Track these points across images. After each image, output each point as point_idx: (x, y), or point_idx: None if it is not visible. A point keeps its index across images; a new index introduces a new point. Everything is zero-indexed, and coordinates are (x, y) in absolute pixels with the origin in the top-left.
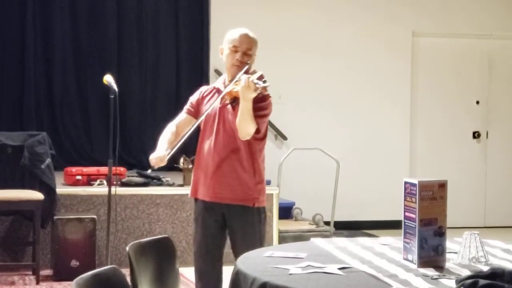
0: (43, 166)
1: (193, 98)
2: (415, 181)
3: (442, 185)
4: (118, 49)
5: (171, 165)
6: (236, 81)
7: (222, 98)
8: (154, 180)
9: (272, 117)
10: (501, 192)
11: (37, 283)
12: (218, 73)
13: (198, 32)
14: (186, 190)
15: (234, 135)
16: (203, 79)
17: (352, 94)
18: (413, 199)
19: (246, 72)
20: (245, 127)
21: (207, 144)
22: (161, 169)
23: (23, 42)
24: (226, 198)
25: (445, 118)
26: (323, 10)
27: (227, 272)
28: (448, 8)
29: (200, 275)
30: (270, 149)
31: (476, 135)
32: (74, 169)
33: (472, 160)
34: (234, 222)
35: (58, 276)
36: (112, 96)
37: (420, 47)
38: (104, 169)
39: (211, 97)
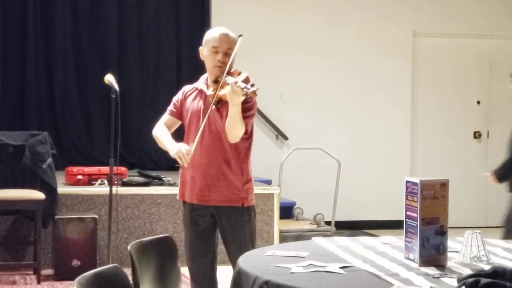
0: (44, 166)
1: (176, 99)
2: (417, 180)
3: (444, 184)
4: (119, 49)
5: (172, 164)
6: (222, 83)
7: (205, 100)
8: (155, 180)
9: (273, 117)
10: (502, 192)
11: (38, 282)
12: None
13: (198, 32)
14: None
15: (220, 136)
16: None
17: (353, 94)
18: (415, 198)
19: (228, 73)
20: (235, 130)
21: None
22: (162, 168)
23: (24, 42)
24: (214, 200)
25: (446, 118)
26: (324, 11)
27: (225, 272)
28: (449, 8)
29: (194, 278)
30: (271, 149)
31: (476, 135)
32: (75, 169)
33: (473, 160)
34: (224, 222)
35: (59, 276)
36: (113, 96)
37: (420, 47)
38: (105, 169)
39: (194, 98)
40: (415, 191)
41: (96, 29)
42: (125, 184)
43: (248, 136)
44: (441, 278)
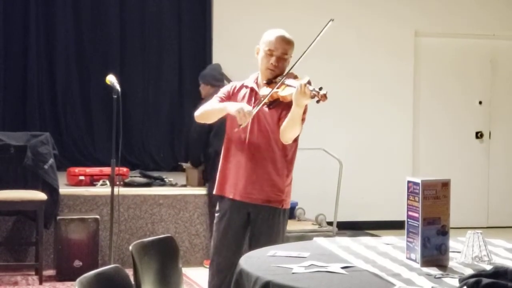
0: (46, 167)
1: (224, 90)
2: (418, 180)
3: (446, 184)
4: (121, 49)
5: (175, 165)
6: (279, 84)
7: (256, 99)
8: (157, 181)
9: None
10: (504, 192)
11: (40, 283)
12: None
13: (200, 32)
14: (189, 191)
15: (269, 136)
16: None
17: (355, 95)
18: (416, 198)
19: (287, 76)
20: (292, 132)
21: (239, 143)
22: (163, 169)
23: (26, 43)
24: (257, 199)
25: (448, 118)
26: (325, 11)
27: None
28: (451, 8)
29: (219, 271)
30: None
31: (479, 135)
32: (77, 170)
33: (475, 160)
34: (260, 222)
35: (61, 276)
36: (115, 96)
37: (422, 47)
38: (107, 169)
39: (244, 95)
40: (417, 191)
41: (98, 30)
42: (126, 184)
43: (295, 139)
44: (443, 278)
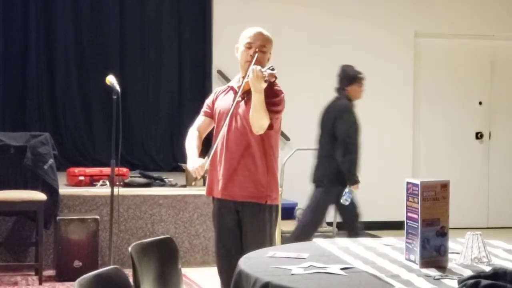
0: (46, 167)
1: (208, 100)
2: (417, 182)
3: (445, 186)
4: (121, 49)
5: (175, 165)
6: (248, 75)
7: (235, 95)
8: (157, 181)
9: None
10: (504, 192)
11: (40, 283)
12: (221, 74)
13: (200, 33)
14: (189, 191)
15: (246, 131)
16: (206, 80)
17: None
18: (415, 200)
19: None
20: (258, 120)
21: (220, 142)
22: (163, 169)
23: (25, 43)
24: (239, 196)
25: (448, 118)
26: (325, 12)
27: None
28: (450, 9)
29: (221, 273)
30: None
31: (478, 135)
32: (76, 170)
33: (475, 160)
34: (246, 218)
35: (61, 277)
36: (115, 97)
37: (422, 48)
38: (106, 170)
39: (225, 95)
40: (416, 192)
41: (98, 30)
42: (126, 185)
43: (274, 132)
44: (442, 280)
